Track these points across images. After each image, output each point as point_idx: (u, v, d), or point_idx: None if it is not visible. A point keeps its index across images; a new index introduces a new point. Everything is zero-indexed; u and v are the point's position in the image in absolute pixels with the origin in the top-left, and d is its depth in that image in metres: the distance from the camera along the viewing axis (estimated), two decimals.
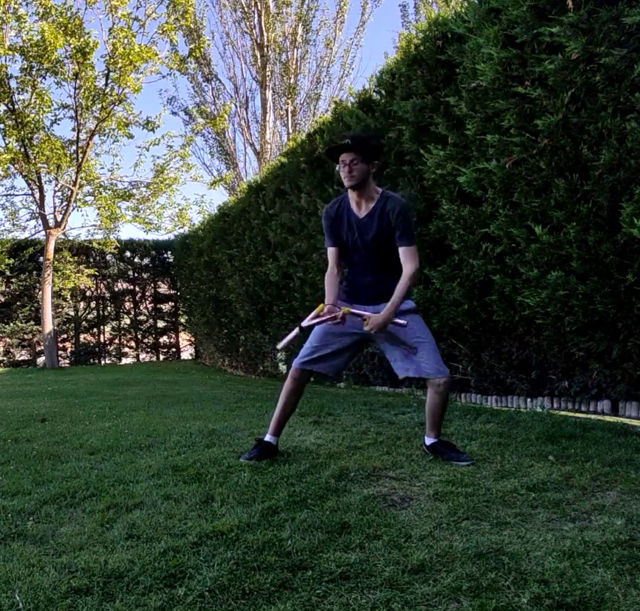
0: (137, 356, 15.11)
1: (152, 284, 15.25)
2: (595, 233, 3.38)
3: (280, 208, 7.26)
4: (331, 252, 3.05)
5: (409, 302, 2.96)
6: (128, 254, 15.00)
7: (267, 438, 3.00)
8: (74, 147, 12.31)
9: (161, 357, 15.25)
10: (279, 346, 3.09)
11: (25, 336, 13.73)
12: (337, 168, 2.95)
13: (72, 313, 14.31)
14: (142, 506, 2.26)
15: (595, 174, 3.30)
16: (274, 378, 8.66)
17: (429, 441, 2.97)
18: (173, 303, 15.36)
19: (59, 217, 12.90)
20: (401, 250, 2.87)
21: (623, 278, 3.32)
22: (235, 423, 4.07)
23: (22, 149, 11.75)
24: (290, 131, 18.40)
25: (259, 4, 17.54)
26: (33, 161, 11.91)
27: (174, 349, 15.55)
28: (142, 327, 15.17)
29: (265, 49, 17.81)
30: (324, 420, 4.01)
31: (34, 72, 11.34)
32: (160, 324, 15.36)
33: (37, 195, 12.89)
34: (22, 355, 13.96)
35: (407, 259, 2.86)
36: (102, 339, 14.80)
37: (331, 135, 5.80)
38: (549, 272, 3.62)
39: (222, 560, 1.73)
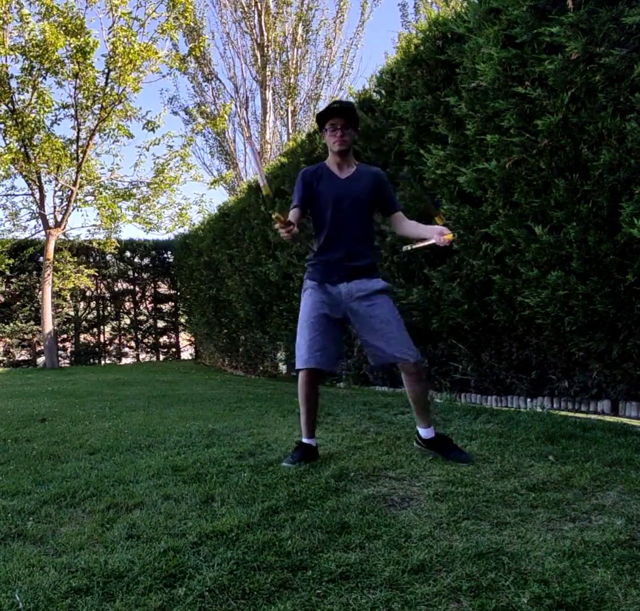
0: (137, 356, 15.12)
1: (152, 284, 15.25)
2: (595, 233, 3.38)
3: (280, 208, 7.26)
4: (295, 213, 2.90)
5: (381, 282, 2.94)
6: (128, 254, 15.01)
7: (305, 440, 2.98)
8: (74, 147, 12.31)
9: (161, 357, 15.25)
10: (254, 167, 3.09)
11: (25, 336, 13.73)
12: (323, 133, 2.95)
13: (72, 313, 14.31)
14: (142, 506, 2.26)
15: (595, 174, 3.30)
16: (274, 378, 8.66)
17: (424, 433, 2.92)
18: (173, 303, 15.36)
19: (59, 217, 12.90)
20: (397, 214, 3.00)
21: (623, 278, 3.32)
22: (235, 423, 4.07)
23: (23, 149, 11.75)
24: (290, 131, 18.41)
25: (259, 3, 17.55)
26: (33, 161, 11.91)
27: (174, 349, 15.55)
28: (142, 327, 15.17)
29: (265, 49, 17.82)
30: (323, 420, 4.01)
31: (34, 72, 11.34)
32: (160, 324, 15.37)
33: (37, 195, 12.90)
34: (22, 355, 13.96)
35: (405, 217, 3.01)
36: (102, 339, 14.80)
37: None
38: (549, 272, 3.62)
39: (222, 560, 1.73)
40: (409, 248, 2.96)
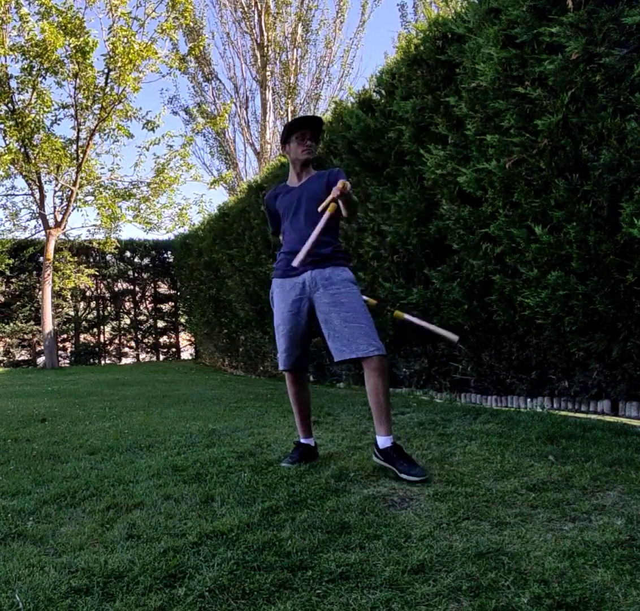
0: (137, 356, 15.12)
1: (152, 284, 15.25)
2: (595, 233, 3.38)
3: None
4: (279, 239, 3.09)
5: (347, 271, 2.85)
6: (128, 254, 15.01)
7: (303, 440, 2.99)
8: (74, 147, 12.32)
9: (161, 357, 15.26)
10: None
11: (25, 336, 13.73)
12: (286, 146, 3.00)
13: (72, 313, 14.32)
14: (142, 506, 2.26)
15: (595, 174, 3.30)
16: (274, 378, 8.66)
17: (381, 441, 2.64)
18: (173, 303, 15.36)
19: (59, 217, 12.91)
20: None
21: (623, 278, 3.32)
22: (235, 423, 4.07)
23: (23, 150, 11.76)
24: None
25: (259, 3, 17.55)
26: (33, 161, 11.92)
27: (174, 349, 15.55)
28: (142, 327, 15.18)
29: (265, 49, 17.82)
30: (323, 420, 4.01)
31: (34, 72, 11.35)
32: (160, 324, 15.37)
33: (37, 195, 12.91)
34: (22, 355, 13.96)
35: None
36: (102, 339, 14.81)
37: (331, 135, 5.80)
38: (549, 272, 3.62)
39: (222, 560, 1.73)
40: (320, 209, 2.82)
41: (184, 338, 15.76)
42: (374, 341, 2.66)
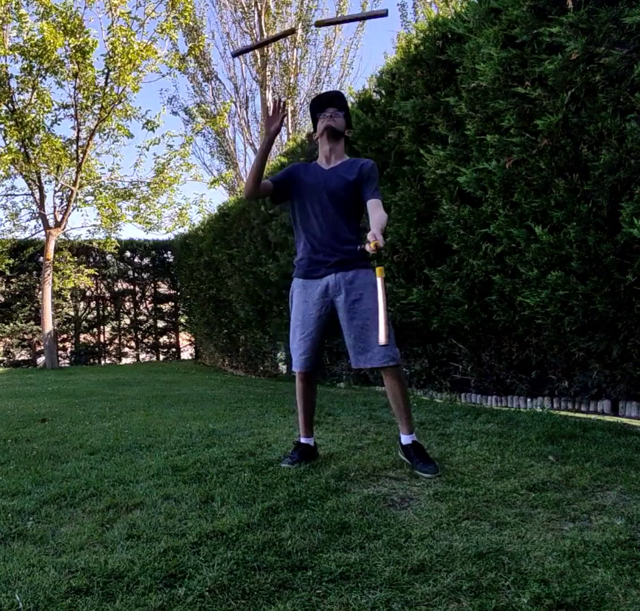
0: (137, 356, 15.12)
1: (152, 284, 15.25)
2: (595, 233, 3.38)
3: (280, 208, 7.26)
4: (267, 184, 2.86)
5: (370, 274, 2.79)
6: (128, 254, 15.01)
7: (303, 440, 2.97)
8: (74, 147, 12.32)
9: (161, 357, 15.26)
10: (234, 52, 3.01)
11: (25, 336, 13.73)
12: (315, 134, 2.94)
13: (72, 313, 14.32)
14: (142, 506, 2.26)
15: (595, 174, 3.30)
16: (274, 378, 8.66)
17: (403, 439, 2.80)
18: (173, 303, 15.36)
19: (59, 217, 12.91)
20: (373, 201, 2.79)
21: (623, 278, 3.32)
22: (235, 423, 4.07)
23: (23, 150, 11.76)
24: (290, 131, 18.41)
25: (259, 3, 17.55)
26: (33, 161, 11.92)
27: (174, 349, 15.55)
28: (142, 327, 15.17)
29: (265, 49, 17.81)
30: (323, 420, 4.01)
31: (34, 72, 11.35)
32: (160, 324, 15.37)
33: (37, 195, 12.91)
34: (22, 355, 13.96)
35: (380, 205, 2.78)
36: (102, 339, 14.80)
37: None
38: (549, 272, 3.62)
39: (222, 560, 1.73)
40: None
41: (184, 338, 15.76)
42: (390, 350, 2.67)
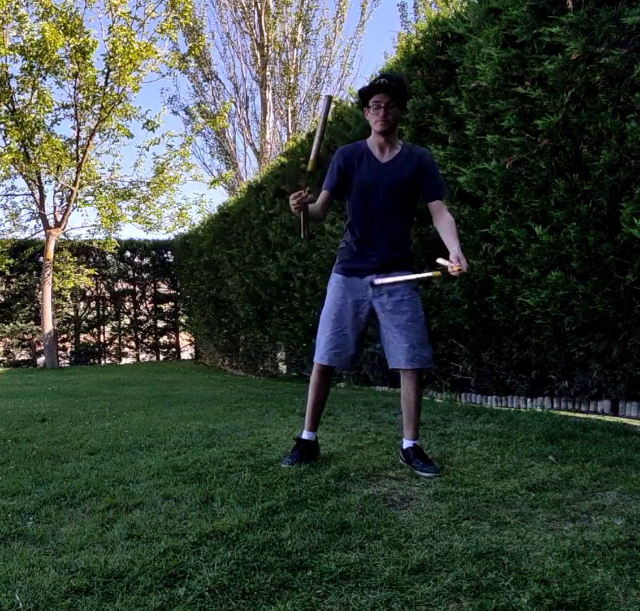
0: (137, 356, 15.12)
1: (152, 284, 15.25)
2: (595, 233, 3.38)
3: (280, 208, 7.26)
4: (324, 195, 2.78)
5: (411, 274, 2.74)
6: (128, 254, 15.01)
7: (305, 435, 2.89)
8: (74, 147, 12.32)
9: (161, 357, 15.26)
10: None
11: (25, 336, 13.73)
12: (366, 111, 2.72)
13: (72, 313, 14.32)
14: (142, 506, 2.26)
15: (595, 174, 3.30)
16: (274, 378, 8.66)
17: (404, 444, 2.77)
18: (173, 303, 15.36)
19: (59, 217, 12.90)
20: (434, 203, 2.74)
21: (623, 278, 3.32)
22: (235, 423, 4.06)
23: (23, 150, 11.76)
24: (290, 131, 18.41)
25: (259, 3, 17.55)
26: (33, 161, 11.92)
27: (174, 349, 15.55)
28: (142, 327, 15.17)
29: (265, 49, 17.82)
30: (323, 420, 4.00)
31: (34, 72, 11.35)
32: (160, 324, 15.37)
33: (37, 195, 12.91)
34: (22, 355, 13.96)
35: (445, 210, 2.74)
36: (102, 339, 14.80)
37: (331, 134, 5.80)
38: (549, 272, 3.62)
39: (222, 560, 1.73)
40: (388, 281, 2.68)
41: (184, 338, 15.76)
42: (418, 354, 2.67)
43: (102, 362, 14.70)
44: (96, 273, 14.04)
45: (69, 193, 12.61)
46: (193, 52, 13.43)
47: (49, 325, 12.40)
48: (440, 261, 2.59)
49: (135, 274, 15.12)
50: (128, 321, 15.11)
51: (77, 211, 14.36)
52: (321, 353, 2.82)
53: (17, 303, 13.61)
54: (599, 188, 3.31)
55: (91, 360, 14.52)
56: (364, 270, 2.77)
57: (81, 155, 12.20)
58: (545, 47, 3.46)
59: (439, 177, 2.81)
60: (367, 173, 2.73)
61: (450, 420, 3.78)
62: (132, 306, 15.08)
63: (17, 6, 10.95)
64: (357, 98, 5.52)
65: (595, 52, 3.21)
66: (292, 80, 18.44)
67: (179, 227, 13.94)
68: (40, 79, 11.50)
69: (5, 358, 13.62)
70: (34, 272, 13.87)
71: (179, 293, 14.80)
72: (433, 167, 2.79)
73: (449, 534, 1.88)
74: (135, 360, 15.00)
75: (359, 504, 2.18)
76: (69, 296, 13.93)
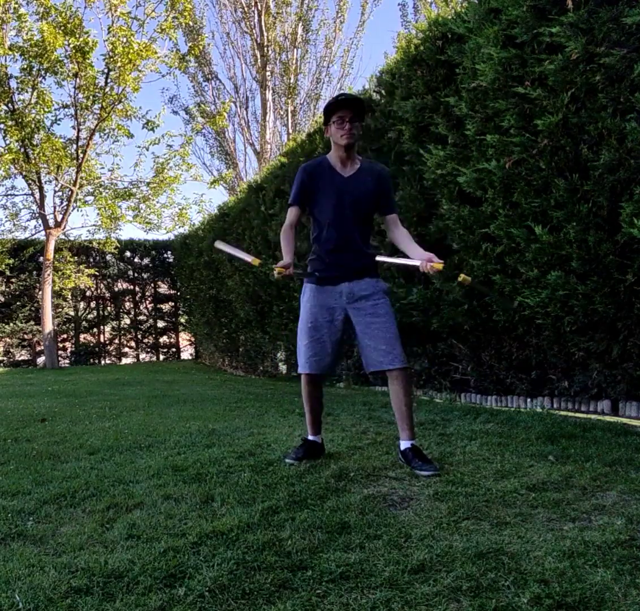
0: (137, 356, 15.12)
1: (152, 284, 15.25)
2: (595, 233, 3.38)
3: (280, 208, 7.26)
4: (293, 212, 2.92)
5: (382, 283, 2.91)
6: (128, 254, 15.01)
7: (311, 437, 3.00)
8: (74, 147, 12.32)
9: (161, 357, 15.26)
10: (218, 244, 3.16)
11: (25, 336, 13.73)
12: (328, 127, 2.84)
13: (72, 313, 14.32)
14: (142, 506, 2.26)
15: (595, 174, 3.30)
16: (274, 378, 8.66)
17: (402, 445, 2.78)
18: (173, 303, 15.36)
19: (59, 217, 12.91)
20: (391, 217, 2.93)
21: (623, 278, 3.32)
22: (235, 423, 4.07)
23: (23, 150, 11.76)
24: (290, 131, 18.41)
25: (259, 3, 17.55)
26: (33, 161, 11.92)
27: (174, 349, 15.55)
28: (142, 327, 15.17)
29: (265, 49, 17.82)
30: (323, 420, 3.99)
31: (34, 72, 11.35)
32: (160, 324, 15.37)
33: (37, 195, 12.91)
34: (22, 355, 13.96)
35: (399, 223, 2.94)
36: (102, 339, 14.80)
37: None
38: (549, 272, 3.62)
39: (222, 560, 1.73)
40: (386, 260, 3.01)
41: (184, 338, 15.76)
42: (399, 354, 2.75)
43: (102, 362, 14.70)
44: (96, 273, 14.04)
45: (69, 193, 12.61)
46: (193, 52, 13.44)
47: (49, 325, 12.40)
48: (401, 261, 2.89)
49: (135, 274, 15.12)
50: (128, 321, 15.11)
51: (77, 211, 14.38)
52: (303, 363, 2.93)
53: (17, 303, 13.61)
54: (599, 188, 3.31)
55: (91, 360, 14.52)
56: (337, 278, 2.87)
57: (81, 155, 12.20)
58: (545, 47, 3.46)
59: (393, 194, 3.04)
60: (331, 187, 2.86)
61: (450, 420, 3.78)
62: (132, 306, 15.09)
63: (17, 6, 10.95)
64: None
65: (595, 52, 3.20)
66: (292, 80, 18.43)
67: (179, 227, 13.96)
68: (40, 79, 11.50)
69: (5, 358, 13.62)
70: (34, 272, 13.87)
71: (179, 293, 14.80)
72: (390, 183, 3.00)
73: (449, 534, 1.88)
74: (135, 360, 15.00)
75: (359, 504, 2.18)
76: (69, 296, 13.93)
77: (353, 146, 2.86)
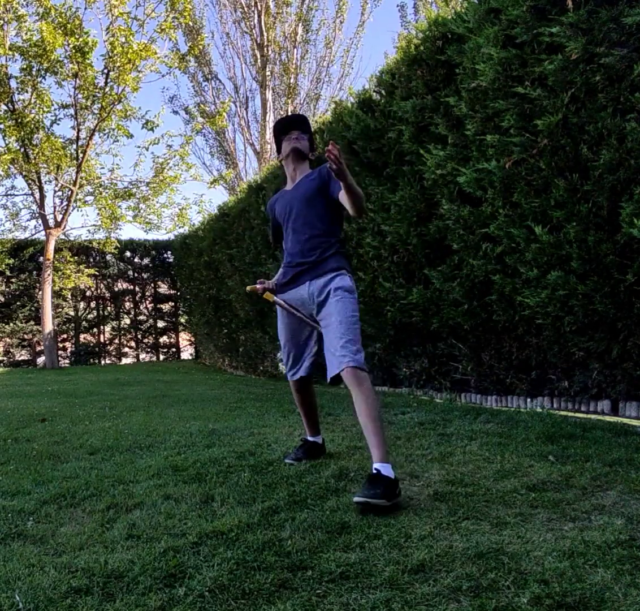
0: (137, 356, 15.12)
1: (152, 284, 15.25)
2: (595, 233, 3.38)
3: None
4: (277, 236, 3.06)
5: (344, 278, 2.70)
6: (128, 254, 15.01)
7: (310, 438, 3.04)
8: (74, 147, 12.32)
9: (161, 357, 15.26)
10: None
11: (25, 336, 13.73)
12: (284, 147, 2.92)
13: (72, 313, 14.32)
14: (142, 506, 2.26)
15: (595, 174, 3.30)
16: (274, 378, 8.66)
17: (375, 466, 2.26)
18: (173, 303, 15.36)
19: (59, 217, 12.91)
20: (341, 193, 2.64)
21: (623, 278, 3.32)
22: (235, 423, 4.07)
23: (23, 149, 11.76)
24: None
25: (259, 4, 17.54)
26: (33, 161, 11.92)
27: (174, 349, 15.55)
28: (142, 327, 15.18)
29: (265, 49, 17.82)
30: (323, 420, 4.01)
31: (33, 72, 11.35)
32: (160, 324, 15.37)
33: (37, 195, 12.91)
34: (22, 355, 13.96)
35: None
36: (102, 339, 14.80)
37: (331, 135, 5.80)
38: (549, 272, 3.62)
39: (222, 560, 1.73)
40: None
41: (184, 338, 15.76)
42: (348, 353, 2.45)
43: (102, 362, 14.70)
44: (96, 273, 14.05)
45: (69, 193, 12.61)
46: (193, 52, 13.44)
47: (49, 325, 12.40)
48: (248, 288, 3.03)
49: (135, 274, 15.12)
50: (128, 321, 15.11)
51: (77, 211, 14.39)
52: (287, 370, 3.02)
53: (17, 303, 13.61)
54: (599, 188, 3.31)
55: (91, 360, 14.52)
56: (298, 275, 2.84)
57: (81, 155, 12.20)
58: (545, 47, 3.46)
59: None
60: (282, 204, 2.94)
61: (450, 420, 3.78)
62: (132, 306, 15.09)
63: (17, 6, 10.95)
64: (357, 98, 5.53)
65: (595, 52, 3.20)
66: (292, 80, 18.43)
67: (179, 227, 13.97)
68: (39, 79, 11.50)
69: (5, 358, 13.62)
70: (34, 272, 13.88)
71: (179, 293, 14.80)
72: (330, 174, 2.76)
73: (449, 534, 1.88)
74: (135, 360, 15.00)
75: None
76: (69, 296, 13.93)
77: (299, 152, 2.90)
